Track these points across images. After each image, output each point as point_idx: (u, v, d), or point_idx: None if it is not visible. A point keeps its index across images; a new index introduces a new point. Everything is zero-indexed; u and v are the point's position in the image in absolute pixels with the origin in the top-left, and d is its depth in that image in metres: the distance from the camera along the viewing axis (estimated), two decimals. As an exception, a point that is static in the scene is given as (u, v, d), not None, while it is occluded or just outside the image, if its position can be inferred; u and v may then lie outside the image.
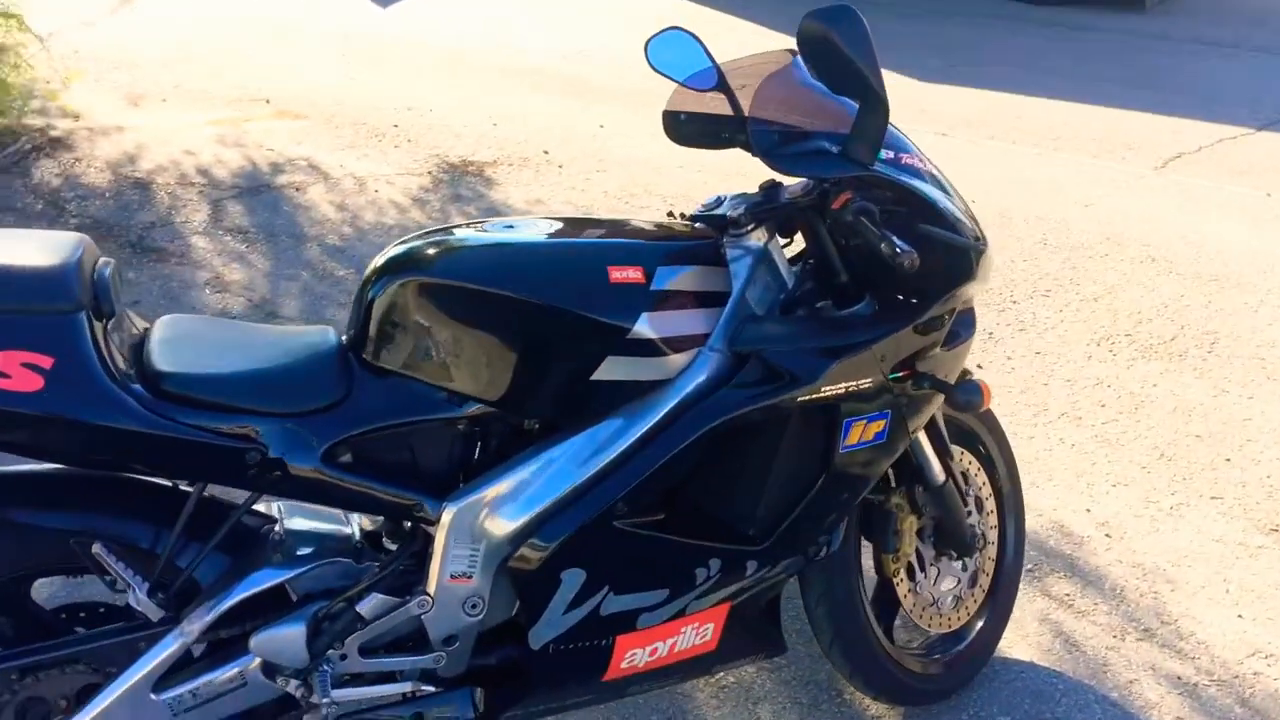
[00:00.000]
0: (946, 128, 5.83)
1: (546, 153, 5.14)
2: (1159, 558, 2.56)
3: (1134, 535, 2.63)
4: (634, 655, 1.78)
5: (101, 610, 1.69)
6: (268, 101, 5.68)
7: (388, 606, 1.65)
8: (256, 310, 3.49)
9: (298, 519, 1.72)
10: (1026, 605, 2.39)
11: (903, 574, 2.04)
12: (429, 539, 1.65)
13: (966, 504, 2.07)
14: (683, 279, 1.69)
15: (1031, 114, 6.28)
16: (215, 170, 4.67)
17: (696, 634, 1.83)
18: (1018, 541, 2.25)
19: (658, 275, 1.67)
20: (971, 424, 2.15)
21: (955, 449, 2.09)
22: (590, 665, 1.76)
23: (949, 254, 1.77)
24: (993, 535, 2.19)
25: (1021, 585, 2.39)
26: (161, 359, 1.53)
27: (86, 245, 1.52)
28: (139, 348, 1.56)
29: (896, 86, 6.14)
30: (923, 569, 2.07)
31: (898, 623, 2.12)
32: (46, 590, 1.95)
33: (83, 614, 1.69)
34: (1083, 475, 2.86)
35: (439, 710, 1.73)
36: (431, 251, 1.67)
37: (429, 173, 4.76)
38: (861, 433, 1.77)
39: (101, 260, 1.54)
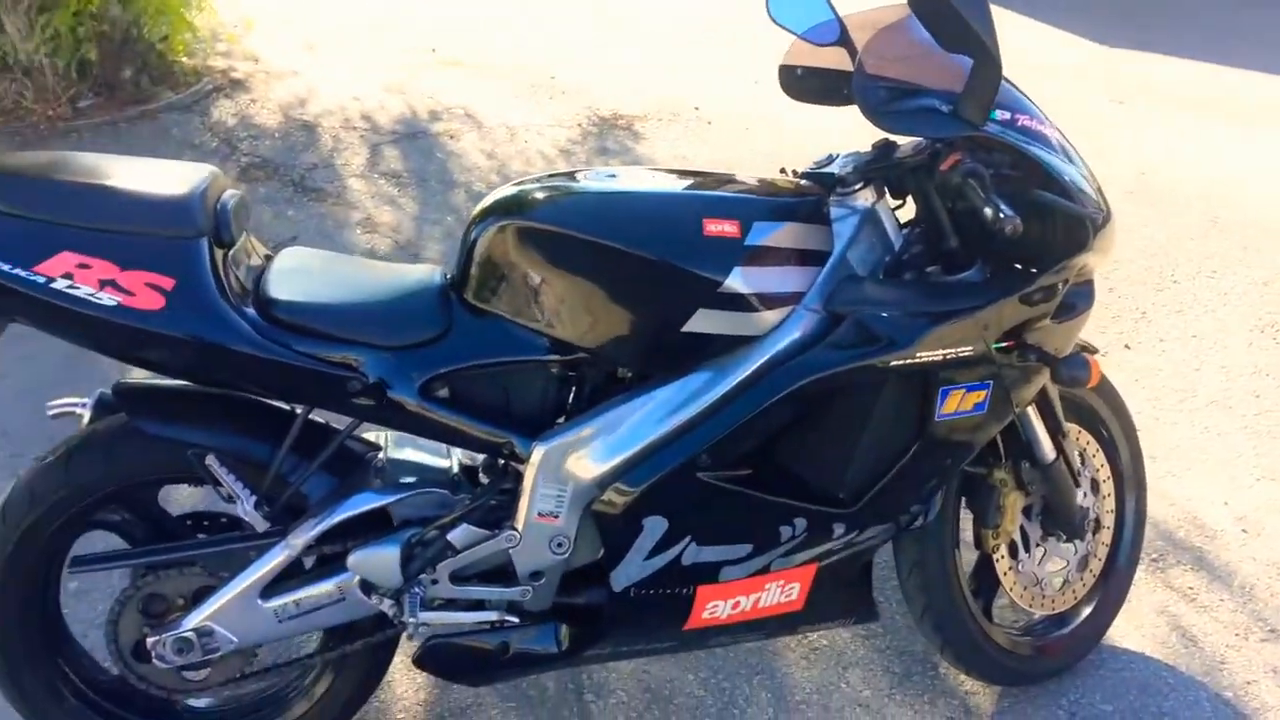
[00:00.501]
0: (1126, 94, 5.51)
1: (697, 108, 5.12)
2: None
3: (1273, 533, 2.48)
4: (715, 607, 1.79)
5: (222, 520, 1.81)
6: (433, 51, 5.84)
7: (478, 538, 1.71)
8: (401, 251, 3.63)
9: (400, 449, 1.80)
10: (1145, 595, 2.29)
11: (1004, 551, 1.97)
12: (520, 477, 1.70)
13: (1080, 485, 1.99)
14: (780, 235, 1.67)
15: (1227, 85, 5.87)
16: (377, 116, 4.84)
17: (781, 592, 1.83)
18: (1136, 528, 2.15)
19: (754, 230, 1.65)
20: (1094, 403, 2.06)
21: (1073, 428, 2.01)
22: (671, 613, 1.78)
23: (1064, 222, 1.68)
24: (1109, 520, 2.10)
25: (1142, 574, 2.30)
26: (277, 288, 1.62)
27: (215, 177, 1.62)
28: (259, 276, 1.65)
29: (1080, 51, 5.89)
30: (1027, 548, 2.00)
31: (1000, 601, 2.06)
32: (172, 497, 2.09)
33: (205, 522, 1.82)
34: (1226, 466, 2.71)
35: (523, 642, 1.79)
36: (533, 197, 1.70)
37: (579, 124, 4.82)
38: (959, 402, 1.72)
39: (228, 192, 1.63)
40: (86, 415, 1.70)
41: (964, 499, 1.96)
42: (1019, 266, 1.73)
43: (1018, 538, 1.98)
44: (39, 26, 4.57)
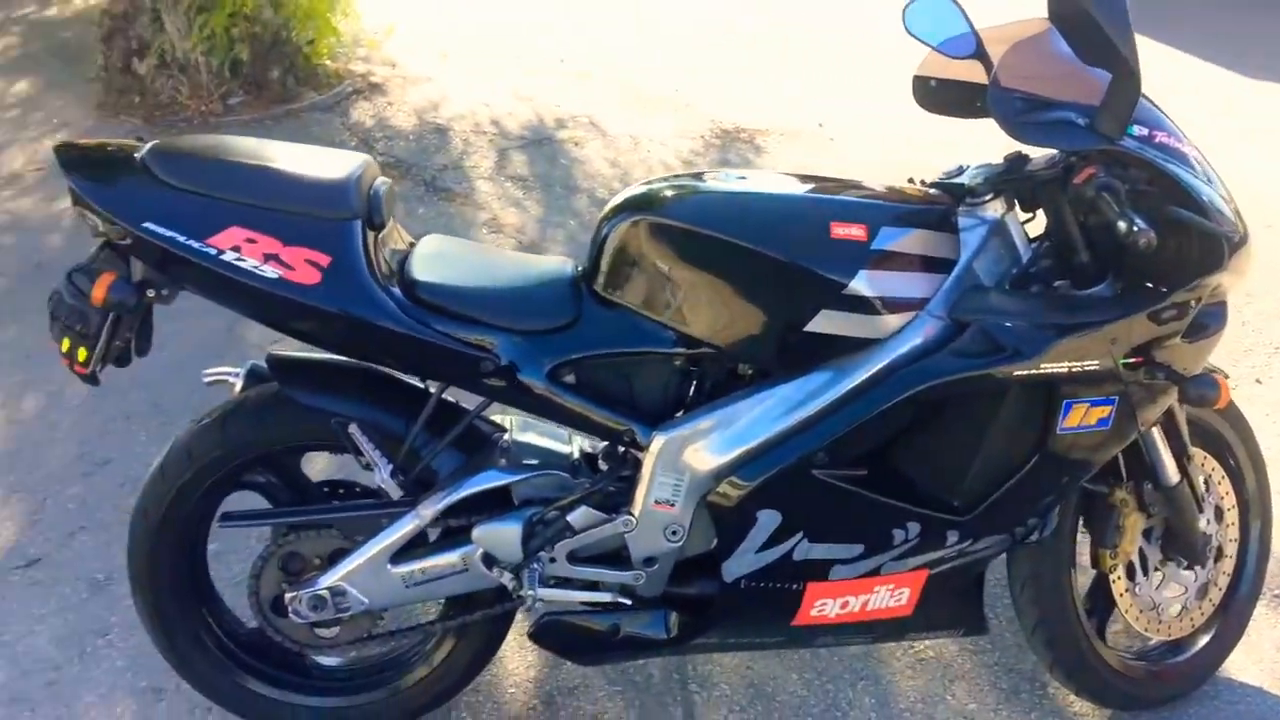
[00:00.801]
0: (1266, 126, 5.33)
1: (820, 125, 5.14)
2: None
3: None
4: (824, 605, 1.82)
5: (356, 489, 1.92)
6: (562, 61, 5.99)
7: (595, 520, 1.77)
8: (525, 251, 3.74)
9: (524, 433, 1.87)
10: (1265, 630, 2.23)
11: (1121, 572, 1.95)
12: (639, 464, 1.75)
13: (1203, 511, 1.95)
14: (906, 241, 1.70)
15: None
16: (506, 121, 4.99)
17: (891, 596, 1.84)
18: (1260, 559, 2.10)
19: (880, 235, 1.68)
20: (1221, 430, 2.03)
21: (1199, 453, 1.98)
22: (780, 607, 1.82)
23: (1199, 240, 1.67)
24: (1231, 549, 2.06)
25: (1263, 609, 2.24)
26: (420, 270, 1.72)
27: (368, 165, 1.73)
28: (403, 259, 1.75)
29: (1218, 79, 5.70)
30: (1145, 571, 1.98)
31: (1114, 623, 2.04)
32: (313, 465, 2.21)
33: (341, 490, 1.93)
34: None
35: (634, 625, 1.85)
36: (664, 194, 1.76)
37: (701, 136, 4.89)
38: (1083, 416, 1.72)
39: (379, 180, 1.73)
40: (238, 384, 1.83)
41: (1083, 517, 1.95)
42: (1150, 284, 1.72)
43: (1136, 560, 1.96)
44: (197, 26, 4.85)
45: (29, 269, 3.64)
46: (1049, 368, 1.67)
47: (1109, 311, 1.68)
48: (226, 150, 1.71)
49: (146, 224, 1.58)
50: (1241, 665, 2.14)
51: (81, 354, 1.66)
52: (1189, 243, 1.67)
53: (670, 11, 7.23)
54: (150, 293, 1.65)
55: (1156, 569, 1.99)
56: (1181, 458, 1.90)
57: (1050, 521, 1.85)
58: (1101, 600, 2.00)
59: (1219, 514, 2.02)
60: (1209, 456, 2.01)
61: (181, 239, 1.58)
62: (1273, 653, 2.19)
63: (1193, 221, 1.64)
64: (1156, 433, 1.87)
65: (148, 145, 1.66)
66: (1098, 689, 2.00)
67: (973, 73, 1.84)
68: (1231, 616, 2.08)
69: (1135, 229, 1.54)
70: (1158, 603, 2.00)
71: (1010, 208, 1.78)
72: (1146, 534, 1.97)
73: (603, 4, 7.41)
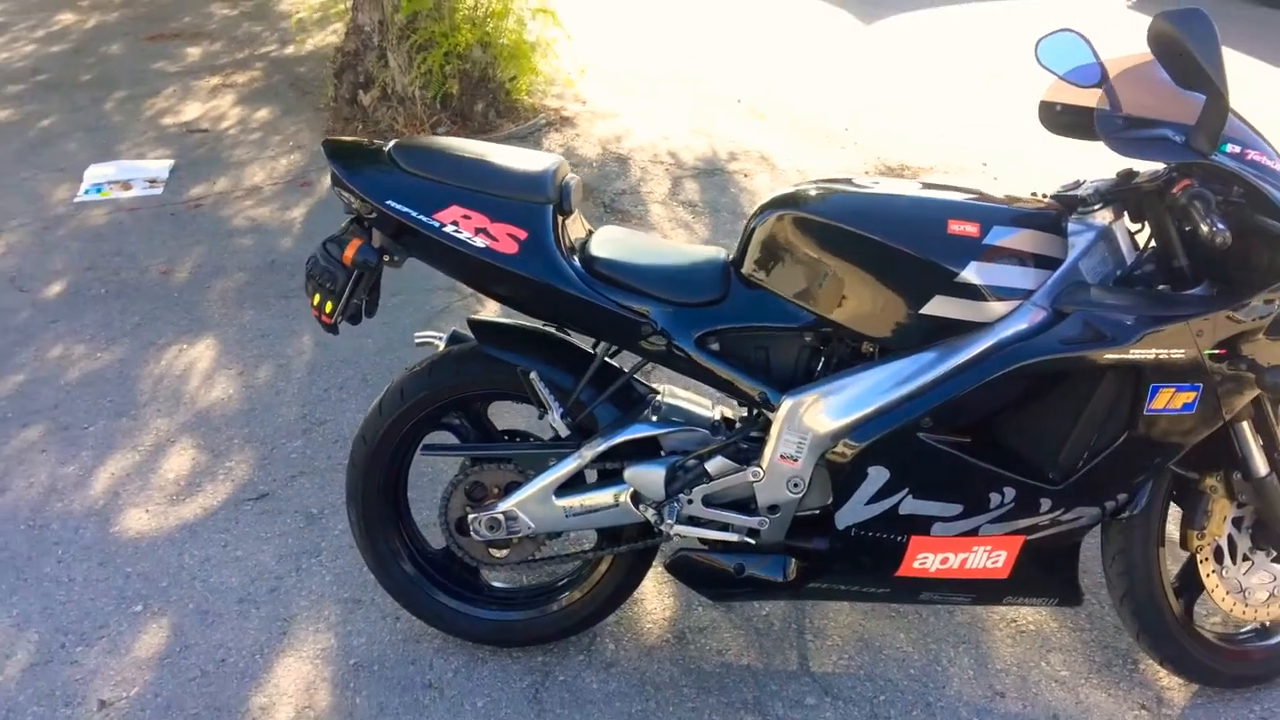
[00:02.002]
0: None
1: (985, 164, 5.32)
2: None
3: None
4: (925, 559, 2.07)
5: (530, 438, 2.29)
6: (739, 101, 6.35)
7: (729, 469, 2.08)
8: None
9: (675, 397, 2.20)
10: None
11: (1209, 556, 2.12)
12: (768, 425, 2.05)
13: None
14: (1016, 239, 1.95)
15: None
16: (681, 153, 5.38)
17: (988, 557, 2.07)
18: (1355, 557, 2.21)
19: (992, 232, 1.94)
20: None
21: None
22: (885, 556, 2.07)
23: (1265, 245, 1.86)
24: (1323, 543, 2.18)
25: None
26: (597, 249, 2.08)
27: (562, 163, 2.10)
28: (584, 240, 2.12)
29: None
30: (1233, 557, 2.13)
31: (1203, 604, 2.19)
32: (499, 417, 2.59)
33: (518, 437, 2.30)
34: None
35: (756, 567, 2.14)
36: (805, 194, 2.07)
37: (865, 172, 5.14)
38: (1169, 400, 1.92)
39: (570, 175, 2.11)
40: (441, 345, 2.23)
41: (1175, 502, 2.13)
42: (1238, 285, 1.91)
43: (1224, 545, 2.12)
44: (416, 63, 5.46)
45: (264, 266, 4.22)
46: (1137, 354, 1.88)
47: (1196, 307, 1.89)
48: (453, 147, 2.12)
49: (389, 201, 2.00)
50: (1337, 663, 2.25)
51: (328, 306, 2.09)
52: (1273, 249, 1.86)
53: (845, 51, 7.52)
54: (387, 257, 2.07)
55: (1246, 557, 2.15)
56: (1273, 453, 2.06)
57: (1141, 500, 2.05)
58: (1191, 581, 2.16)
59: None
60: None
61: (414, 214, 1.99)
62: (1371, 655, 2.29)
63: (1274, 229, 1.83)
64: (1248, 426, 2.04)
65: (393, 142, 2.09)
66: (1182, 662, 2.16)
67: (1094, 99, 2.08)
68: (1323, 611, 2.20)
69: (1215, 229, 1.76)
70: (1245, 588, 2.15)
71: (1118, 217, 2.00)
72: (1237, 523, 2.13)
73: (782, 48, 7.77)
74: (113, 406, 3.26)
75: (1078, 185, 2.08)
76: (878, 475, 2.00)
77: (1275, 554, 2.15)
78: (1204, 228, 1.78)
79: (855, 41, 8.05)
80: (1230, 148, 1.87)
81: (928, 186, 2.12)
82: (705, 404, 2.22)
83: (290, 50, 7.52)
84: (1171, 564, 2.19)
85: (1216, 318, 1.88)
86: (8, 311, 3.85)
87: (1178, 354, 1.89)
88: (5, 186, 5.04)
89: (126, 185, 5.06)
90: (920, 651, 2.32)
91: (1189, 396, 1.92)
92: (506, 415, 2.60)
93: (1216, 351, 1.91)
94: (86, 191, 5.00)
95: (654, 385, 2.23)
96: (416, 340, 2.28)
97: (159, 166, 5.26)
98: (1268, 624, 2.22)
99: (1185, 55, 1.78)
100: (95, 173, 5.17)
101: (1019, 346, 1.91)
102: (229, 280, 4.10)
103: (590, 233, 2.17)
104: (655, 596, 2.48)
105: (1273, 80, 6.76)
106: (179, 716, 2.18)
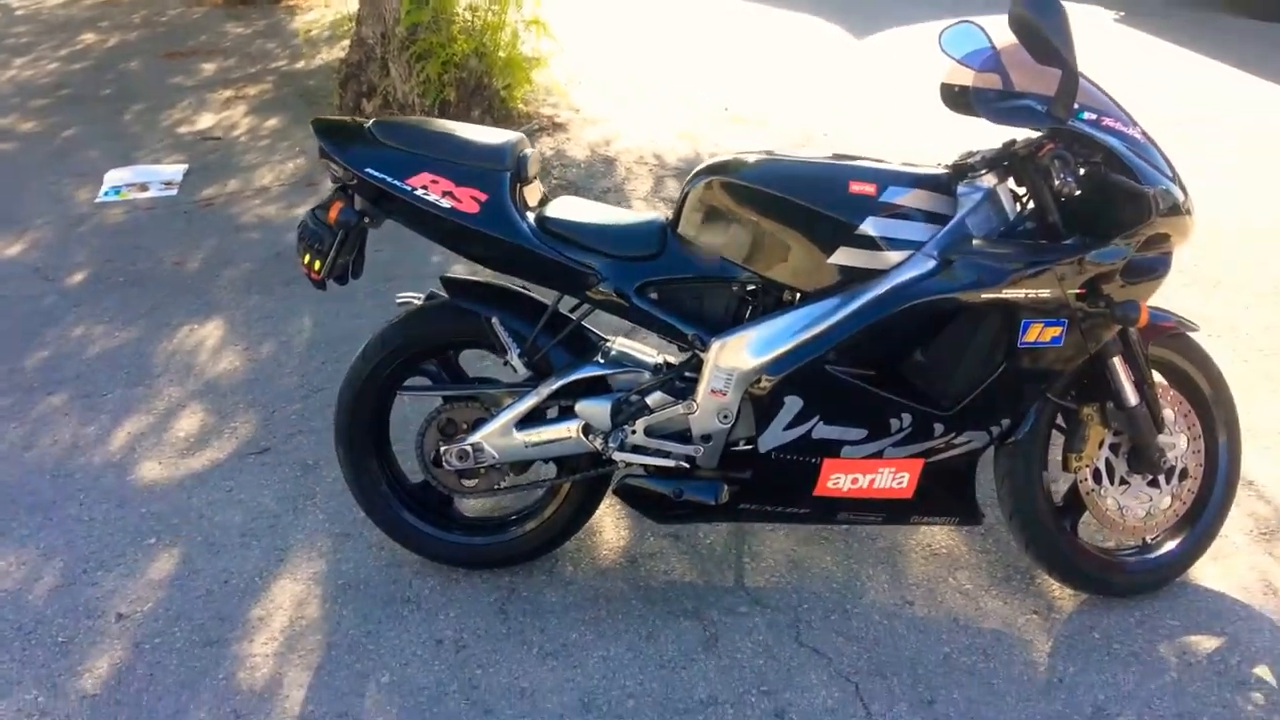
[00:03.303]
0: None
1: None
2: None
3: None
4: (838, 479, 2.36)
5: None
6: (726, 109, 6.68)
7: (667, 403, 2.38)
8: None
9: (623, 345, 2.51)
10: (1243, 553, 2.62)
11: (1088, 477, 2.41)
12: (701, 364, 2.35)
13: (1162, 431, 2.39)
14: (908, 198, 2.25)
15: None
16: (666, 155, 5.70)
17: (893, 478, 2.36)
18: (1228, 483, 2.50)
19: (887, 191, 2.24)
20: (1188, 369, 2.46)
21: (1166, 386, 2.43)
22: (802, 477, 2.36)
23: (1129, 199, 2.16)
24: (1196, 470, 2.47)
25: (1245, 541, 2.63)
26: (551, 211, 2.39)
27: (521, 138, 2.42)
28: (541, 205, 2.43)
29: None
30: (1111, 480, 2.42)
31: (1086, 522, 2.48)
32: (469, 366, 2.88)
33: (485, 382, 2.60)
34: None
35: (692, 491, 2.42)
36: (732, 162, 2.37)
37: (836, 170, 5.45)
38: (1039, 333, 2.21)
39: (528, 149, 2.42)
40: (419, 301, 2.54)
41: (1058, 429, 2.42)
42: (1097, 235, 2.21)
43: (1102, 468, 2.41)
44: (415, 72, 5.81)
45: (270, 257, 4.54)
46: (1010, 294, 2.18)
47: (1059, 254, 2.19)
48: (425, 124, 2.44)
49: (367, 169, 2.31)
50: (1212, 575, 2.54)
51: (317, 264, 2.40)
52: (1121, 201, 2.16)
53: (834, 63, 7.84)
54: (366, 219, 2.39)
55: (1123, 480, 2.43)
56: (1142, 385, 2.35)
57: (1025, 425, 2.34)
58: (1075, 501, 2.45)
59: (1184, 441, 2.44)
60: (1175, 390, 2.45)
61: (389, 179, 2.31)
62: (1244, 570, 2.57)
63: (1123, 184, 2.14)
64: (1119, 361, 2.33)
65: (373, 119, 2.41)
66: (1067, 572, 2.45)
67: (990, 81, 2.38)
68: (1198, 527, 2.48)
69: (1066, 184, 2.07)
70: (1122, 507, 2.43)
71: (1002, 180, 2.30)
72: (1114, 449, 2.42)
73: (774, 60, 8.10)
74: (129, 377, 3.59)
75: (971, 154, 2.38)
76: (792, 404, 2.30)
77: (1150, 477, 2.44)
78: (1057, 182, 2.09)
79: (846, 54, 8.37)
80: (1088, 115, 2.18)
81: (838, 156, 2.42)
82: (650, 351, 2.52)
83: (300, 65, 7.89)
84: (1064, 486, 2.48)
85: (1077, 262, 2.18)
86: (34, 298, 4.18)
87: (1044, 293, 2.18)
88: (31, 190, 5.39)
89: (143, 187, 5.40)
90: (843, 570, 2.61)
91: (1056, 330, 2.22)
92: (478, 366, 2.91)
93: (1079, 291, 2.20)
94: (106, 194, 5.35)
95: (605, 336, 2.53)
96: (398, 300, 2.58)
97: (173, 170, 5.61)
98: (1149, 540, 2.50)
99: (1039, 36, 2.09)
100: (114, 176, 5.52)
101: (909, 289, 2.21)
102: (237, 269, 4.43)
103: (546, 199, 2.48)
104: (611, 528, 2.78)
105: (1259, 91, 7.03)
106: (187, 625, 2.48)
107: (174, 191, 5.36)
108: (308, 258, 2.41)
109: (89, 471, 3.07)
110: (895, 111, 6.62)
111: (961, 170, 2.33)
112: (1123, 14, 9.72)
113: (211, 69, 7.79)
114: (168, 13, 9.76)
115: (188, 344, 3.82)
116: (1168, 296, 3.99)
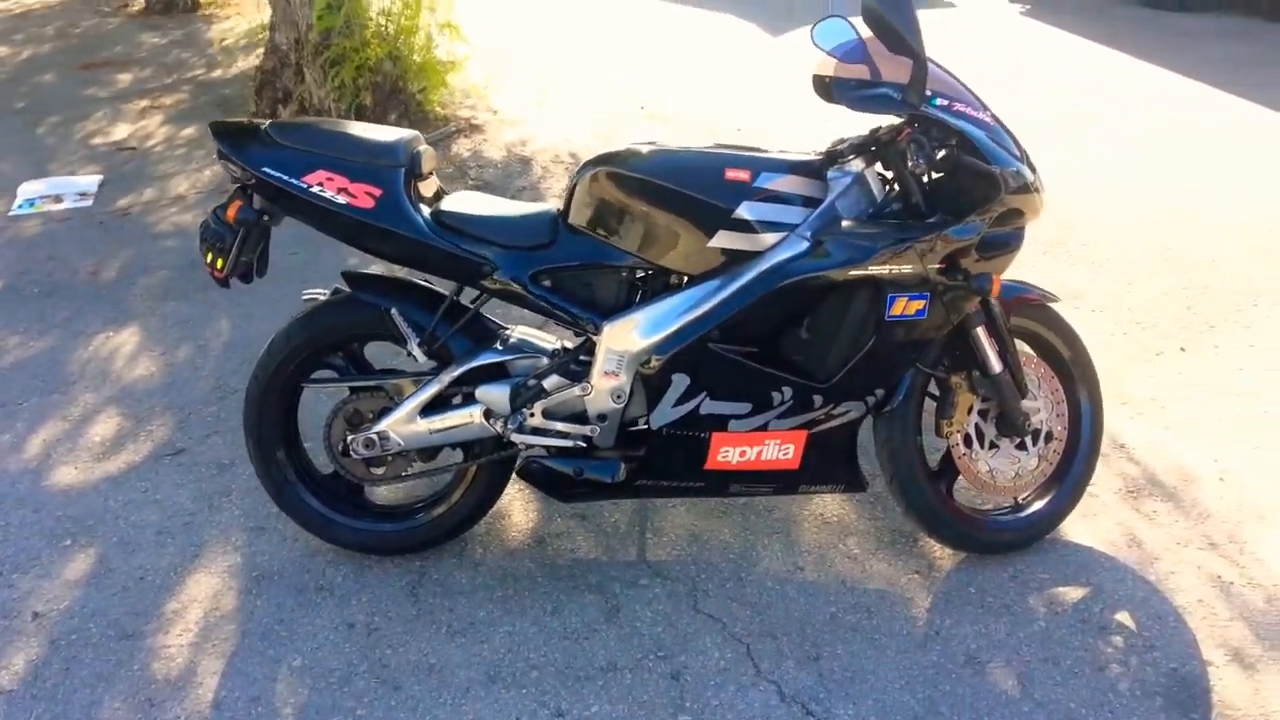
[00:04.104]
0: None
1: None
2: (1264, 499, 2.82)
3: (1248, 484, 2.90)
4: (727, 452, 2.48)
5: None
6: (642, 108, 6.81)
7: (563, 386, 2.48)
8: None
9: (521, 331, 2.61)
10: (1111, 511, 2.80)
11: (958, 440, 2.57)
12: (594, 347, 2.47)
13: (1026, 396, 2.55)
14: (781, 183, 2.38)
15: None
16: (581, 154, 5.80)
17: (779, 449, 2.49)
18: (1091, 444, 2.67)
19: (760, 177, 2.37)
20: (1053, 341, 2.63)
21: (1032, 356, 2.60)
22: (694, 451, 2.48)
23: (980, 179, 2.32)
24: (1060, 434, 2.64)
25: (1115, 499, 2.81)
26: (447, 205, 2.48)
27: (415, 136, 2.51)
28: (438, 199, 2.53)
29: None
30: (981, 444, 2.58)
31: (961, 484, 2.64)
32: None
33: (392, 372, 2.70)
34: (1231, 432, 3.12)
35: (592, 470, 2.53)
36: (617, 153, 2.49)
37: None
38: (904, 307, 2.36)
39: (423, 146, 2.51)
40: (325, 297, 2.63)
41: (931, 397, 2.58)
42: (954, 214, 2.36)
43: (972, 433, 2.57)
44: (330, 77, 5.85)
45: (187, 264, 4.57)
46: (875, 270, 2.32)
47: (919, 232, 2.34)
48: (320, 123, 2.53)
49: (264, 169, 2.40)
50: (1081, 532, 2.71)
51: (219, 262, 2.47)
52: (973, 181, 2.32)
53: (750, 61, 8.01)
54: (266, 217, 2.47)
55: (993, 444, 2.59)
56: (1005, 355, 2.51)
57: (899, 394, 2.49)
58: (950, 465, 2.61)
59: (1049, 406, 2.61)
60: (1039, 358, 2.61)
61: (286, 178, 2.39)
62: (1111, 526, 2.74)
63: (972, 164, 2.30)
64: (982, 332, 2.49)
65: (269, 121, 2.49)
66: (944, 532, 2.60)
67: (853, 71, 2.53)
68: (1066, 486, 2.65)
69: (916, 164, 2.22)
70: (992, 469, 2.59)
71: (870, 165, 2.45)
72: (983, 415, 2.58)
73: (691, 59, 8.25)
74: (44, 386, 3.61)
75: (843, 141, 2.52)
76: (680, 382, 2.43)
77: (1018, 440, 2.60)
78: (910, 164, 2.24)
79: (761, 52, 8.57)
80: (940, 101, 2.33)
81: (720, 145, 2.55)
82: (549, 337, 2.63)
83: (217, 74, 7.88)
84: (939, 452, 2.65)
85: (935, 239, 2.33)
86: (-54, 311, 4.18)
87: (907, 269, 2.33)
88: (-56, 204, 5.35)
89: (58, 199, 5.40)
90: (740, 541, 2.74)
91: (920, 304, 2.37)
92: (394, 360, 3.00)
93: (939, 266, 2.36)
94: (20, 206, 5.33)
95: (506, 325, 2.64)
96: (304, 297, 2.66)
97: (88, 181, 5.60)
98: (1020, 499, 2.67)
99: (889, 28, 2.23)
100: (28, 189, 5.50)
101: (783, 269, 2.34)
102: (153, 277, 4.46)
103: (443, 194, 2.58)
104: (521, 512, 2.89)
105: (1151, 75, 7.34)
106: (103, 621, 2.53)
107: (89, 202, 5.36)
108: (210, 256, 2.48)
109: (4, 479, 3.10)
110: (806, 106, 6.79)
111: (833, 156, 2.47)
112: (1028, 7, 10.05)
113: (127, 79, 7.77)
114: (82, 24, 9.67)
115: (103, 351, 3.85)
116: (1056, 272, 4.22)
